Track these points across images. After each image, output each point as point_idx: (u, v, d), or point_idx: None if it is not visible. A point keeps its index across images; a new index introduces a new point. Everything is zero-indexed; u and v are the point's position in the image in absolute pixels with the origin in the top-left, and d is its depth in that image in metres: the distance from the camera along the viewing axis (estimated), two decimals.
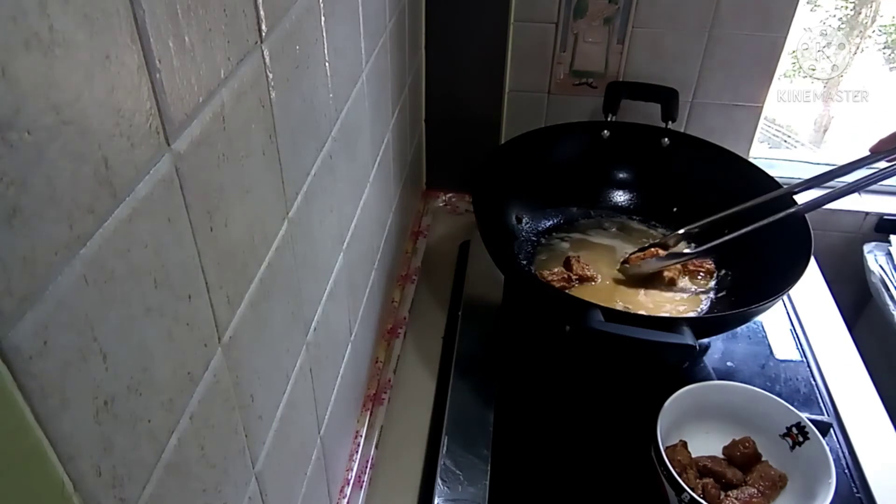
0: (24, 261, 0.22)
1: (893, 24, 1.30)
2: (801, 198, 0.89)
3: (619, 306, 0.90)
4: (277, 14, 0.43)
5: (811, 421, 0.73)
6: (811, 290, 1.03)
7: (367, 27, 0.67)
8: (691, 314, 0.90)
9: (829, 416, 0.83)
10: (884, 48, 1.31)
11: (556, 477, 0.76)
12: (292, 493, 0.56)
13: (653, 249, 0.97)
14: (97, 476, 0.27)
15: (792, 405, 0.75)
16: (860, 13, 1.24)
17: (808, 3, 1.18)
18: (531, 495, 0.75)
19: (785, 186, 0.91)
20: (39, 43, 0.22)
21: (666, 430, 0.73)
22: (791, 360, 0.90)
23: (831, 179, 0.86)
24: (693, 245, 1.00)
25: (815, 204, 0.81)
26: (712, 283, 0.95)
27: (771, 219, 0.84)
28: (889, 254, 1.14)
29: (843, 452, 0.79)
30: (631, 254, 0.97)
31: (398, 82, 0.88)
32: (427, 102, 1.12)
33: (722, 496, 0.70)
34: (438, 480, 0.74)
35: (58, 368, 0.24)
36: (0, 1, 0.20)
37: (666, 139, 1.05)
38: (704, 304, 0.92)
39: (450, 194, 1.22)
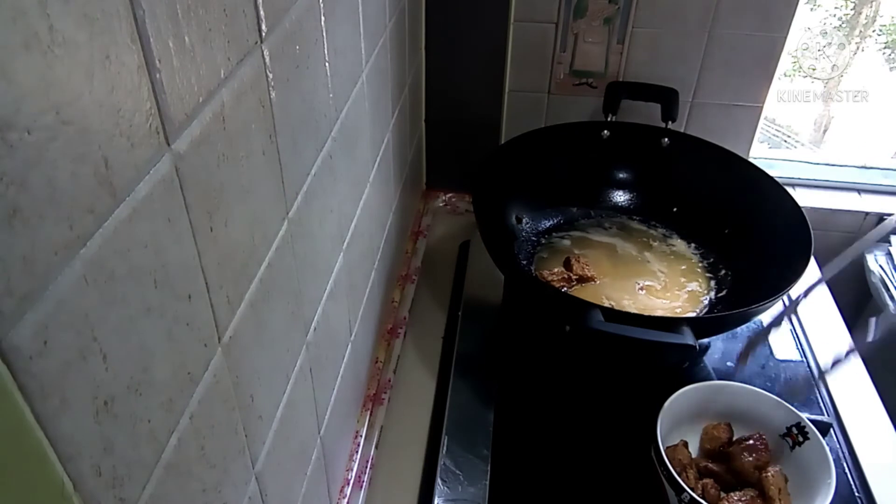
0: (24, 261, 0.22)
1: (893, 24, 1.30)
2: (802, 198, 0.89)
3: (619, 306, 0.90)
4: (277, 14, 0.43)
5: (811, 421, 0.73)
6: (811, 290, 1.03)
7: (367, 27, 0.67)
8: (691, 314, 0.90)
9: (829, 416, 0.83)
10: (884, 48, 1.31)
11: (556, 477, 0.76)
12: (292, 493, 0.56)
13: None
14: (97, 476, 0.27)
15: (792, 405, 0.74)
16: (860, 13, 1.24)
17: (807, 2, 1.18)
18: (531, 495, 0.75)
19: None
20: (39, 43, 0.22)
21: (666, 430, 0.73)
22: (791, 360, 0.90)
23: None
24: (693, 245, 1.01)
25: None
26: (712, 283, 0.95)
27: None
28: (889, 254, 1.14)
29: (843, 452, 0.79)
30: None
31: (398, 82, 0.88)
32: (427, 102, 1.12)
33: (722, 496, 0.70)
34: (438, 480, 0.74)
35: (58, 368, 0.24)
36: (0, 1, 0.20)
37: (666, 139, 1.05)
38: (704, 303, 0.92)
39: (450, 194, 1.22)
